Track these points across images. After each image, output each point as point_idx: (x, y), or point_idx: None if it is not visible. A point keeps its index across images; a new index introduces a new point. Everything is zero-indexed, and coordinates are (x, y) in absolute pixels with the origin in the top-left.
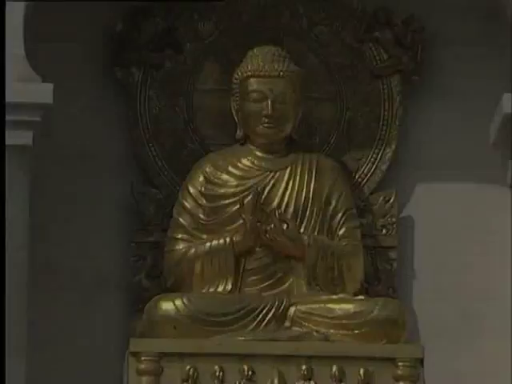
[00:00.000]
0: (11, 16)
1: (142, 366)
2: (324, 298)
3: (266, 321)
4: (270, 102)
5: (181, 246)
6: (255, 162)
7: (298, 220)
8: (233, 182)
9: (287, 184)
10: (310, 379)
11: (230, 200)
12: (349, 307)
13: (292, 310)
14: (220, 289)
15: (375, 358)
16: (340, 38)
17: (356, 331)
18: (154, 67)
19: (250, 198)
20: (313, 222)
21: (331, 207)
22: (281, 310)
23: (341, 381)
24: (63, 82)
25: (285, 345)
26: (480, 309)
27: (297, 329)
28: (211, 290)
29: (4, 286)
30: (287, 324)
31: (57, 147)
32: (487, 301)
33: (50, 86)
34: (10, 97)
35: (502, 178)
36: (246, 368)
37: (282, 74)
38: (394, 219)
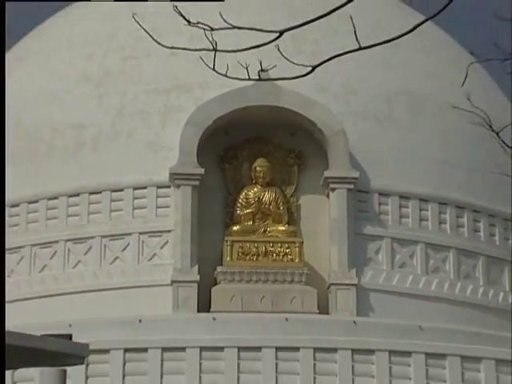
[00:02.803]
0: (188, 142)
1: (231, 238)
2: (277, 225)
3: (262, 231)
4: (262, 174)
5: (238, 211)
6: (257, 189)
7: (270, 206)
8: (251, 195)
9: (267, 195)
10: (272, 246)
11: (252, 200)
12: (284, 227)
13: (270, 228)
14: (249, 223)
15: (289, 241)
16: (281, 156)
17: (287, 233)
18: (231, 164)
19: (256, 199)
20: (274, 206)
21: (278, 202)
22: (266, 229)
23: (281, 246)
24: (206, 167)
25: (269, 238)
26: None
27: (271, 234)
28: (247, 223)
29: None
30: (268, 234)
31: (203, 190)
32: (317, 222)
33: (202, 169)
34: (186, 170)
35: (322, 191)
36: (259, 240)
37: (265, 165)
38: (294, 206)
